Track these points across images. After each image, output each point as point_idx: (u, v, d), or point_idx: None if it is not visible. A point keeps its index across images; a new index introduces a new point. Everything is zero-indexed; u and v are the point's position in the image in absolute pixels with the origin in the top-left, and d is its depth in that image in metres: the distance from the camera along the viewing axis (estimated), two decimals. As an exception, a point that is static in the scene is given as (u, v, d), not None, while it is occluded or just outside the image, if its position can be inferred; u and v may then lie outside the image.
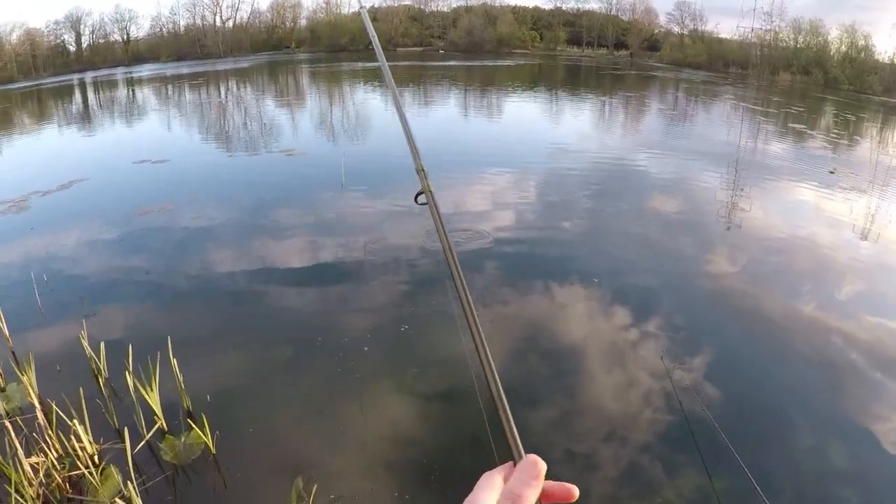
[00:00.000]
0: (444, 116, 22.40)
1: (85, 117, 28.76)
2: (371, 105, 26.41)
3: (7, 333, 7.39)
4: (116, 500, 4.66)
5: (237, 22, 75.71)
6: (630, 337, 6.70)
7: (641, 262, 8.19)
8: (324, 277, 8.87)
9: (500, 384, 1.10)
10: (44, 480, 5.15)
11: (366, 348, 7.12)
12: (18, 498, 4.78)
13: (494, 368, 1.13)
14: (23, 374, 6.05)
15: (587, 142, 15.71)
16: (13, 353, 7.03)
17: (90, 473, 5.11)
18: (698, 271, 7.98)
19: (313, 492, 4.87)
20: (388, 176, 13.22)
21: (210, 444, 5.55)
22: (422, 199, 2.04)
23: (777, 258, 8.58)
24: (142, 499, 5.00)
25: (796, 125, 21.96)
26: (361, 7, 3.33)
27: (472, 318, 1.25)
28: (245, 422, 5.98)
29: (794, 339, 6.89)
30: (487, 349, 1.15)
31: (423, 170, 2.07)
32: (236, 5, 74.94)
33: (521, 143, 15.98)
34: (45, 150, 20.84)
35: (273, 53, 71.24)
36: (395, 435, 5.71)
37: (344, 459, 5.43)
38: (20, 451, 5.00)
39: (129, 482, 4.66)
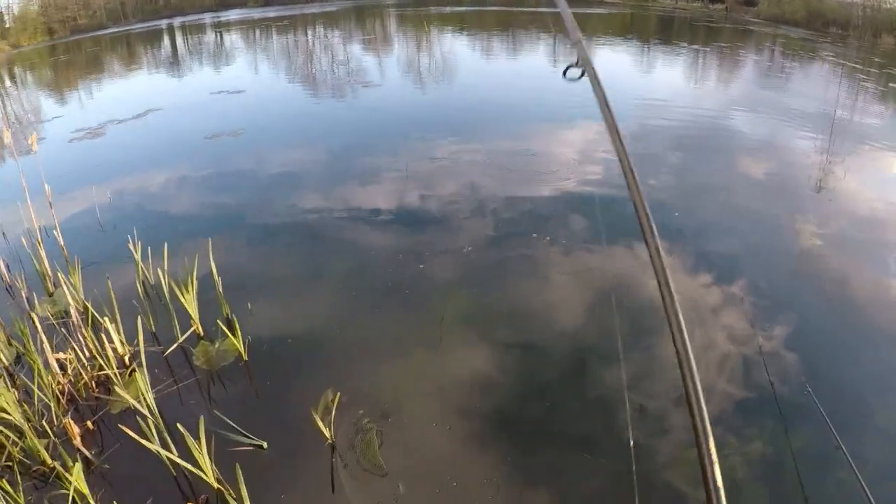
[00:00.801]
0: (531, 64, 21.26)
1: (169, 57, 29.30)
2: (458, 51, 25.52)
3: (62, 242, 7.34)
4: (141, 400, 4.41)
5: (325, -35, 74.80)
6: (714, 299, 5.90)
7: (729, 223, 7.31)
8: (383, 206, 8.43)
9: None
10: (72, 378, 4.97)
11: (421, 266, 6.66)
12: (41, 394, 4.62)
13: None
14: (70, 282, 5.90)
15: (678, 96, 14.42)
16: (66, 260, 6.94)
17: (116, 375, 4.89)
18: (787, 237, 7.05)
19: (336, 403, 4.46)
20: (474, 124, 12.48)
21: (242, 350, 5.23)
22: (571, 73, 2.09)
23: (870, 229, 7.49)
24: (170, 401, 4.80)
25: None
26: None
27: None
28: (281, 333, 5.65)
29: (884, 312, 5.91)
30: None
31: (580, 40, 2.16)
32: (324, -51, 73.99)
33: (611, 95, 14.86)
34: (127, 87, 21.23)
35: (361, -5, 70.61)
36: (439, 370, 5.19)
37: (376, 381, 4.98)
38: (47, 346, 4.82)
39: (148, 387, 4.42)
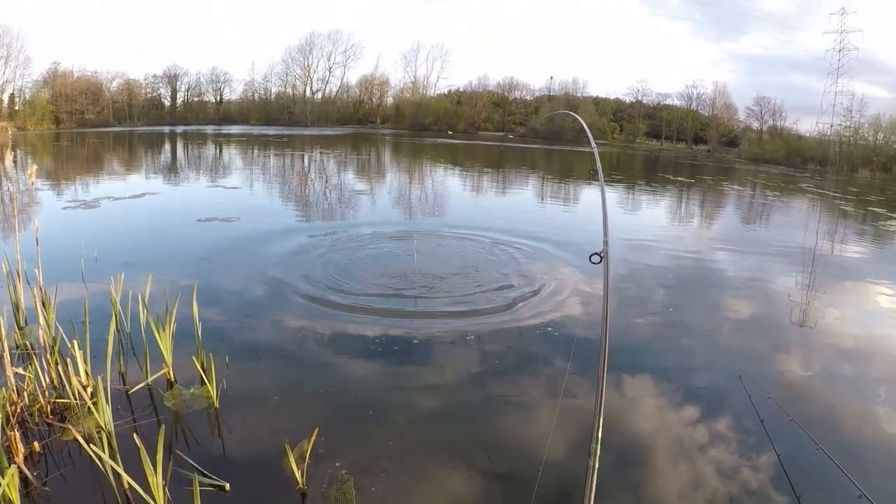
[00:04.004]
0: (517, 200, 21.73)
1: (167, 158, 29.99)
2: (448, 182, 26.24)
3: (41, 282, 7.07)
4: (99, 430, 4.05)
5: (326, 94, 77.97)
6: (698, 437, 5.61)
7: (713, 361, 7.15)
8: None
9: None
10: (27, 401, 4.59)
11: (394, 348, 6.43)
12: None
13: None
14: (43, 311, 5.64)
15: (663, 234, 14.73)
16: (42, 301, 6.65)
17: (76, 405, 4.54)
18: (771, 373, 6.89)
19: (311, 448, 4.11)
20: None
21: (214, 396, 4.90)
22: (595, 258, 3.66)
23: (853, 363, 7.41)
24: (127, 437, 4.41)
25: (877, 223, 20.50)
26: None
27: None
28: (259, 384, 5.43)
29: (871, 445, 5.69)
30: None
31: (607, 244, 3.68)
32: (326, 79, 77.60)
33: (594, 232, 14.99)
34: (126, 177, 21.58)
35: (358, 127, 73.08)
36: (428, 423, 4.95)
37: (357, 434, 4.70)
38: (7, 362, 4.49)
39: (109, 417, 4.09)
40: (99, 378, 4.10)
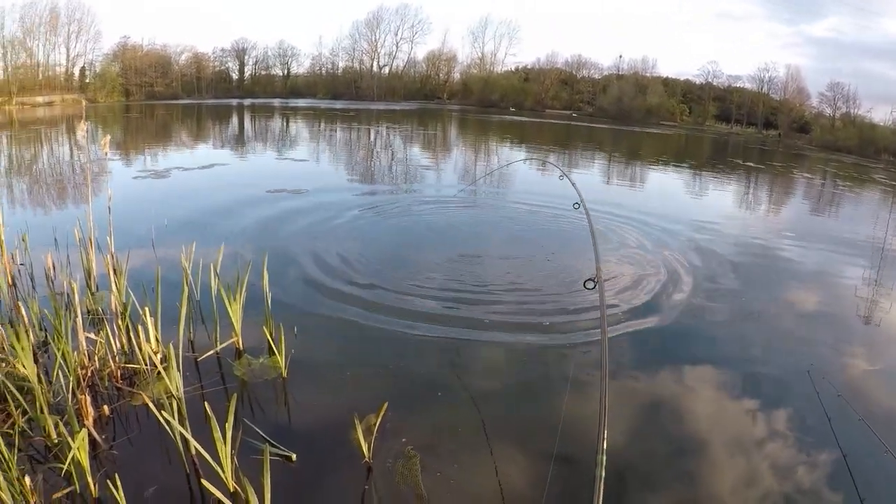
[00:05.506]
0: (587, 180, 21.26)
1: (234, 130, 30.43)
2: (515, 156, 25.91)
3: (113, 249, 7.17)
4: (164, 395, 4.03)
5: (392, 69, 77.55)
6: (760, 430, 5.28)
7: (781, 353, 6.76)
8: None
9: None
10: (97, 365, 4.62)
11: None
12: (65, 368, 4.26)
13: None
14: (115, 277, 5.71)
15: (729, 222, 14.08)
16: (114, 268, 6.74)
17: (146, 370, 4.54)
18: (840, 370, 6.47)
19: (379, 422, 3.99)
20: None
21: (283, 366, 4.85)
22: (590, 284, 4.03)
23: None
24: (197, 404, 4.39)
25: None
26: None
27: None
28: (328, 358, 5.39)
29: None
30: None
31: (600, 269, 4.26)
32: (393, 53, 77.08)
33: (662, 216, 14.41)
34: (195, 147, 21.96)
35: (424, 102, 72.74)
36: (495, 405, 4.82)
37: (424, 411, 4.62)
38: (80, 326, 4.51)
39: (179, 382, 4.05)
40: (171, 344, 4.06)
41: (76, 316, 4.56)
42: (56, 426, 3.82)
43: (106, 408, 4.21)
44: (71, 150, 19.59)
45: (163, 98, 60.96)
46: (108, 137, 7.03)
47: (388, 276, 7.56)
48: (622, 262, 8.89)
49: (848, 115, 60.92)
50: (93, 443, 3.80)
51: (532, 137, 37.70)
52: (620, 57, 76.01)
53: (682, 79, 74.43)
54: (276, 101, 64.38)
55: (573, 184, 7.07)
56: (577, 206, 6.23)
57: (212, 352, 5.09)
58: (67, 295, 5.97)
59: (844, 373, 6.02)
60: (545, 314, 6.64)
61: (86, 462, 3.41)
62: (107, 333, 4.70)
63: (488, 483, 3.84)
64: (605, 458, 2.46)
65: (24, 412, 3.95)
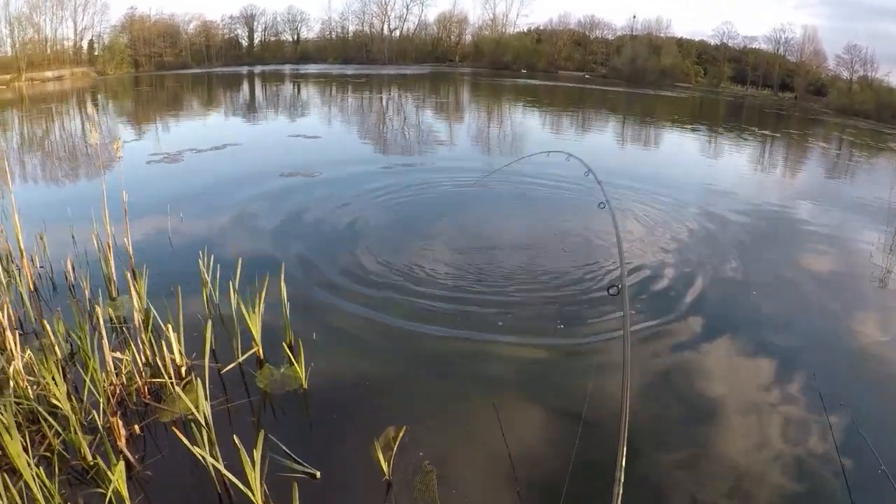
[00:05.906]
0: (599, 142, 21.19)
1: (245, 100, 30.32)
2: (529, 122, 25.75)
3: (131, 251, 7.31)
4: (196, 411, 4.17)
5: (403, 32, 76.43)
6: (772, 394, 5.40)
7: (790, 316, 6.85)
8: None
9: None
10: (125, 381, 4.78)
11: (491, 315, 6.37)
12: (92, 389, 4.43)
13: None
14: (135, 287, 5.79)
15: (744, 186, 14.01)
16: (133, 269, 6.88)
17: (172, 384, 4.69)
18: (846, 332, 6.57)
19: (399, 441, 4.14)
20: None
21: (303, 377, 5.00)
22: (612, 290, 3.81)
23: None
24: (222, 417, 4.57)
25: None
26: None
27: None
28: (346, 366, 5.46)
29: None
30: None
31: (624, 276, 3.86)
32: (404, 16, 75.95)
33: (676, 179, 14.40)
34: (207, 122, 21.97)
35: (436, 64, 71.88)
36: (502, 413, 4.93)
37: (442, 424, 4.74)
38: (106, 345, 4.66)
39: (205, 399, 4.18)
40: (191, 359, 4.19)
41: (102, 337, 4.69)
42: (91, 446, 4.02)
43: (136, 426, 4.37)
44: (83, 134, 19.62)
45: (172, 68, 60.63)
46: (121, 140, 7.13)
47: (405, 273, 7.57)
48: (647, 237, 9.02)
49: (865, 79, 59.55)
50: (127, 463, 3.98)
51: (547, 102, 37.24)
52: (634, 17, 74.38)
53: (696, 39, 72.94)
54: (287, 68, 63.88)
55: (599, 181, 6.97)
56: (602, 205, 6.16)
57: (234, 364, 5.22)
58: (90, 303, 6.16)
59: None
60: (567, 319, 6.59)
61: (125, 491, 3.57)
62: (132, 350, 4.84)
63: (506, 496, 3.99)
64: (623, 475, 2.55)
65: (57, 433, 4.12)
